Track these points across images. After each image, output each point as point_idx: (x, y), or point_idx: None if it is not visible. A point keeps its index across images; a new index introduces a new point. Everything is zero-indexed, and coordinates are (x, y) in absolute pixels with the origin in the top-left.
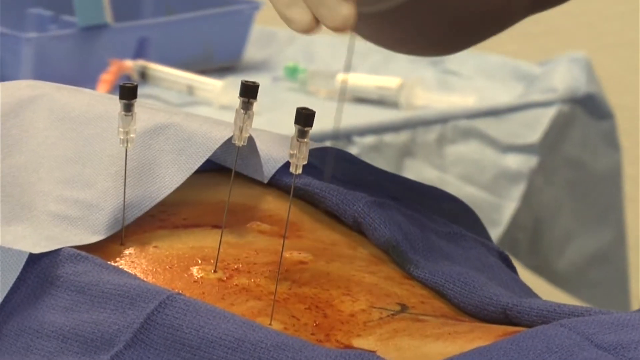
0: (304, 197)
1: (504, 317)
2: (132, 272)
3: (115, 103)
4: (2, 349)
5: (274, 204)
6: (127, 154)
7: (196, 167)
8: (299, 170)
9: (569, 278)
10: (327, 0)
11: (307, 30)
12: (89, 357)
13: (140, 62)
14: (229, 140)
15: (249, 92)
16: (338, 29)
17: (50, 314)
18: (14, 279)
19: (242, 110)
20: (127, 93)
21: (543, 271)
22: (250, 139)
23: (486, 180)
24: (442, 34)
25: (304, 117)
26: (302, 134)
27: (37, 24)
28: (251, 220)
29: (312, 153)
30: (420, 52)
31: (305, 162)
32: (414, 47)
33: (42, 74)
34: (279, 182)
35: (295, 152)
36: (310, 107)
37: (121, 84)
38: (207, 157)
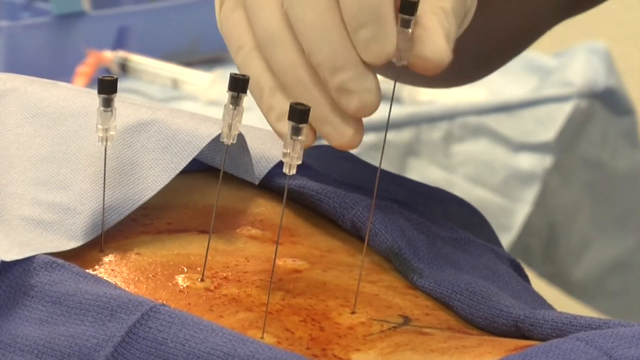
0: (299, 200)
1: (516, 330)
2: (113, 281)
3: (93, 98)
4: None
5: (266, 208)
6: (107, 152)
7: (181, 167)
8: (293, 171)
9: (586, 288)
10: (331, 118)
11: (307, 145)
12: None
13: (121, 53)
14: (217, 137)
15: (238, 85)
16: (344, 148)
17: (23, 327)
18: None
19: (231, 106)
20: (106, 87)
21: (558, 280)
22: (240, 137)
23: (497, 182)
24: (465, 67)
25: (299, 113)
26: (296, 131)
27: (8, 12)
28: (241, 225)
29: (308, 152)
30: (442, 86)
31: (300, 162)
32: (436, 83)
33: (14, 66)
34: (272, 184)
35: (289, 150)
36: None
37: (100, 77)
38: (193, 156)
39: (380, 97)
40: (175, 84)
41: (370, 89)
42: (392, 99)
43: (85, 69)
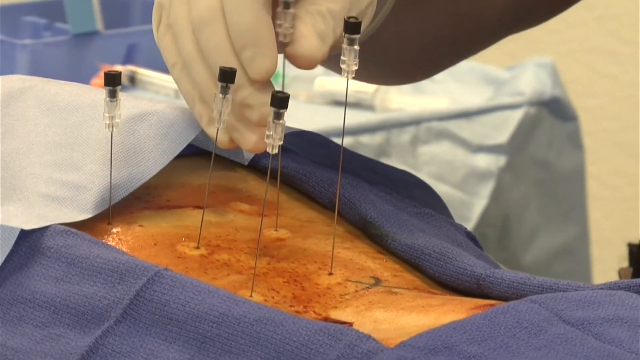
0: (283, 179)
1: (477, 287)
2: (120, 248)
3: (100, 94)
4: None
5: (253, 185)
6: (113, 138)
7: (178, 152)
8: (275, 150)
9: (535, 271)
10: (238, 126)
11: (228, 148)
12: (80, 329)
13: (130, 67)
14: None
15: (226, 77)
16: (251, 152)
17: (41, 284)
18: (6, 254)
19: (220, 95)
20: (112, 80)
21: (510, 265)
22: None
23: (457, 179)
24: (405, 67)
25: (279, 100)
26: (277, 115)
27: (32, 31)
28: (231, 201)
29: (290, 139)
30: (388, 82)
31: (281, 143)
32: (381, 78)
33: None
34: (258, 165)
35: (271, 133)
36: (291, 110)
37: (105, 71)
38: (188, 142)
39: None
40: (177, 94)
41: (267, 103)
42: (345, 105)
43: (98, 81)
